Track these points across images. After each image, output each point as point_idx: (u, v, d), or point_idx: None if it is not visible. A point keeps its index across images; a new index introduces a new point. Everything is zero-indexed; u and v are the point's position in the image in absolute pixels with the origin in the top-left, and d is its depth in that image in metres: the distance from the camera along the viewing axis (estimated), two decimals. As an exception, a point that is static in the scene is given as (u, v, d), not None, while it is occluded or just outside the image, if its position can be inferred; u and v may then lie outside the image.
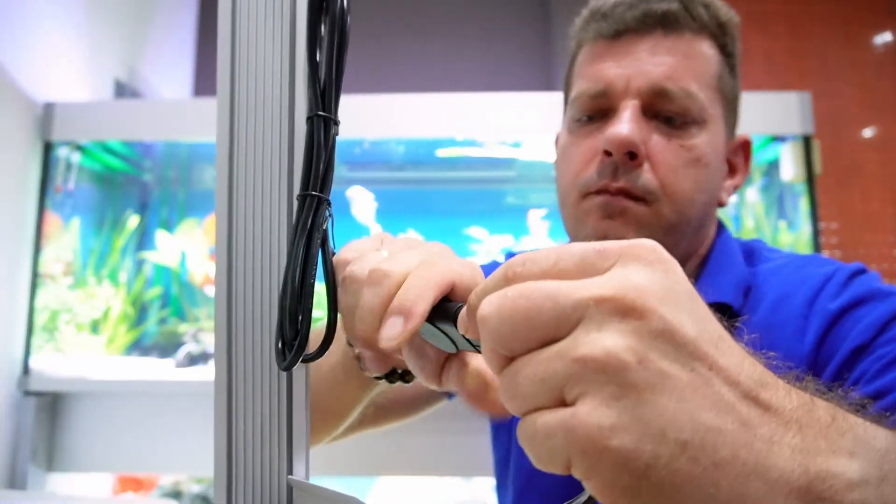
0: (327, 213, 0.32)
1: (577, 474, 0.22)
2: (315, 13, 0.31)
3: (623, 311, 0.21)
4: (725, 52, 0.62)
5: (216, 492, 0.30)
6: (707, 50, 0.60)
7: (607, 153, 0.57)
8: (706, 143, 0.59)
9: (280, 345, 0.30)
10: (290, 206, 0.31)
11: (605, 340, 0.21)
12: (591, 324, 0.22)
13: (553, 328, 0.22)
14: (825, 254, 1.82)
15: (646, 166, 0.57)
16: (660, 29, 0.59)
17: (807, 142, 1.32)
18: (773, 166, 1.44)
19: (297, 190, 0.31)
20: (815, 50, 2.04)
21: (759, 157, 1.47)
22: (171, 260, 1.56)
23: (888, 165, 1.99)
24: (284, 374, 0.30)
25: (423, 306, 0.30)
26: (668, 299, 0.22)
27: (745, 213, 1.47)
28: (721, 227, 0.68)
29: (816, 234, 1.33)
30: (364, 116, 1.35)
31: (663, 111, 0.58)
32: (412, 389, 0.68)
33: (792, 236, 1.39)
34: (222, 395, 0.30)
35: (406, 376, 0.45)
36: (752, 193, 1.48)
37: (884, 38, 2.05)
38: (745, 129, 1.42)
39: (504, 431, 0.73)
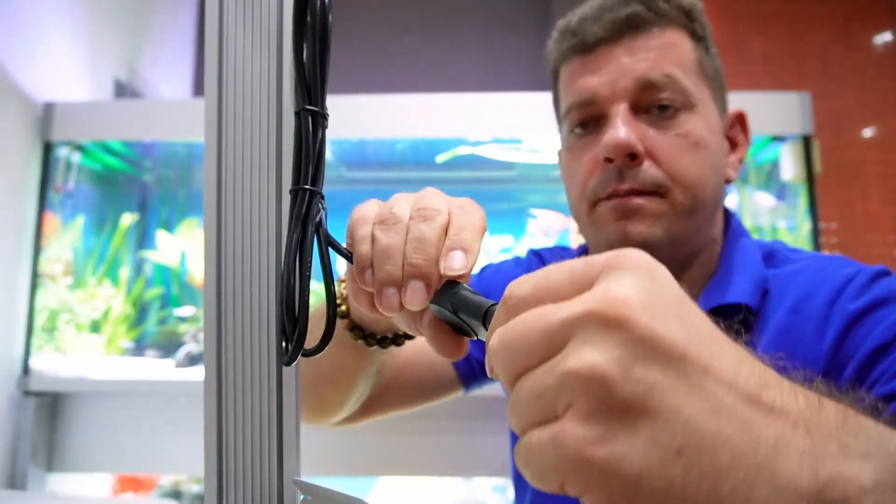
0: (320, 207, 0.32)
1: (572, 492, 0.22)
2: (299, 8, 0.31)
3: (606, 323, 0.22)
4: (696, 36, 0.63)
5: (207, 491, 0.29)
6: (679, 39, 0.61)
7: (608, 160, 0.58)
8: (701, 126, 0.60)
9: (282, 340, 0.31)
10: (278, 203, 0.31)
11: (588, 354, 0.21)
12: (579, 339, 0.22)
13: (546, 347, 0.23)
14: (825, 254, 1.81)
15: (647, 163, 0.58)
16: (629, 32, 0.60)
17: (807, 142, 1.32)
18: (773, 166, 1.44)
19: (286, 186, 0.31)
20: (816, 50, 2.04)
21: (760, 157, 1.47)
22: (171, 260, 1.56)
23: (888, 165, 1.99)
24: (275, 371, 0.30)
25: (477, 245, 0.34)
26: (653, 306, 0.22)
27: (745, 214, 1.48)
28: (729, 213, 0.68)
29: (816, 234, 1.33)
30: (364, 116, 1.35)
31: (653, 102, 0.59)
32: (429, 374, 0.69)
33: (792, 236, 1.39)
34: (212, 394, 0.30)
35: (398, 340, 0.47)
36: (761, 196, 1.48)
37: (884, 38, 2.05)
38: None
39: None
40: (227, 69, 0.31)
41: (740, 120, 0.67)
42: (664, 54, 0.60)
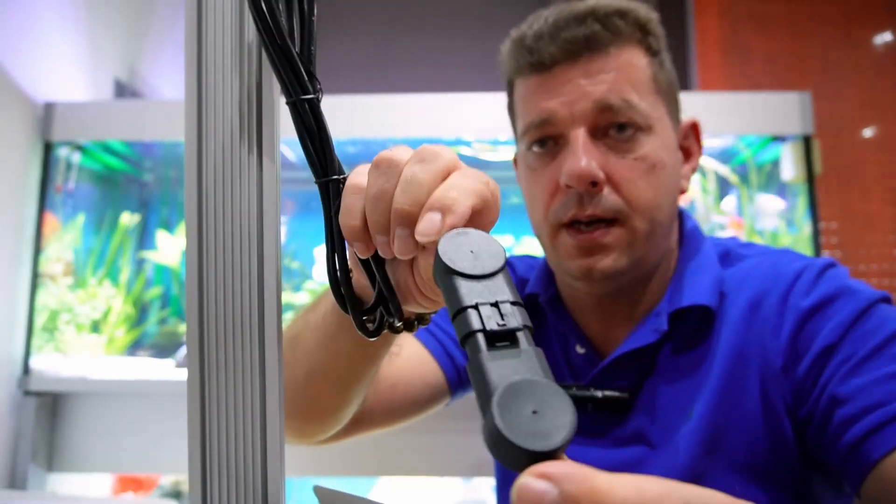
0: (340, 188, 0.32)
1: None
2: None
3: None
4: (652, 51, 0.63)
5: (191, 491, 0.29)
6: (636, 59, 0.61)
7: (569, 186, 0.59)
8: (658, 147, 0.61)
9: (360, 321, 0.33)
10: (259, 201, 0.30)
11: None
12: None
13: None
14: (825, 254, 1.82)
15: (607, 189, 0.59)
16: (586, 53, 0.60)
17: (807, 142, 1.32)
18: (773, 166, 1.44)
19: (267, 183, 0.30)
20: (816, 50, 2.04)
21: (760, 158, 1.47)
22: (172, 260, 1.56)
23: (888, 165, 1.99)
24: (258, 370, 0.30)
25: (463, 206, 0.30)
26: None
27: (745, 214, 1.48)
28: (683, 215, 0.70)
29: (816, 234, 1.33)
30: (364, 116, 1.35)
31: (613, 122, 0.60)
32: (422, 388, 0.68)
33: (792, 236, 1.39)
34: (195, 394, 0.30)
35: (410, 325, 0.40)
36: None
37: (884, 38, 2.05)
38: (745, 129, 1.41)
39: None
40: (207, 69, 0.31)
41: (694, 129, 0.68)
42: (622, 76, 0.60)
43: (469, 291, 0.25)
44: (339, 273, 0.34)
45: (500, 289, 0.26)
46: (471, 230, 0.28)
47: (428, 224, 0.29)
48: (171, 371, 1.34)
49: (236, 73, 0.31)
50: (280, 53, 0.30)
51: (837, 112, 1.98)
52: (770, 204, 1.43)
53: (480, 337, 0.24)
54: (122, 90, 1.68)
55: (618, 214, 0.59)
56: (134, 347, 1.50)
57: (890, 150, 1.99)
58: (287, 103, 0.31)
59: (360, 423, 0.65)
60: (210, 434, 0.29)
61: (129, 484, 1.50)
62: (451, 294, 0.26)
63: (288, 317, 1.51)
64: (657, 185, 0.60)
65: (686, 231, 0.68)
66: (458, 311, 0.25)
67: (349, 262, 0.35)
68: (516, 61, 0.64)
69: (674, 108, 0.65)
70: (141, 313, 1.57)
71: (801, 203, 1.35)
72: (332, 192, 0.33)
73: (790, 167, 1.35)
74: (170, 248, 1.56)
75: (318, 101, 0.31)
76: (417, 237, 0.30)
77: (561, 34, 0.60)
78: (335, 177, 0.32)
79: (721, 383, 0.59)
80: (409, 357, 0.69)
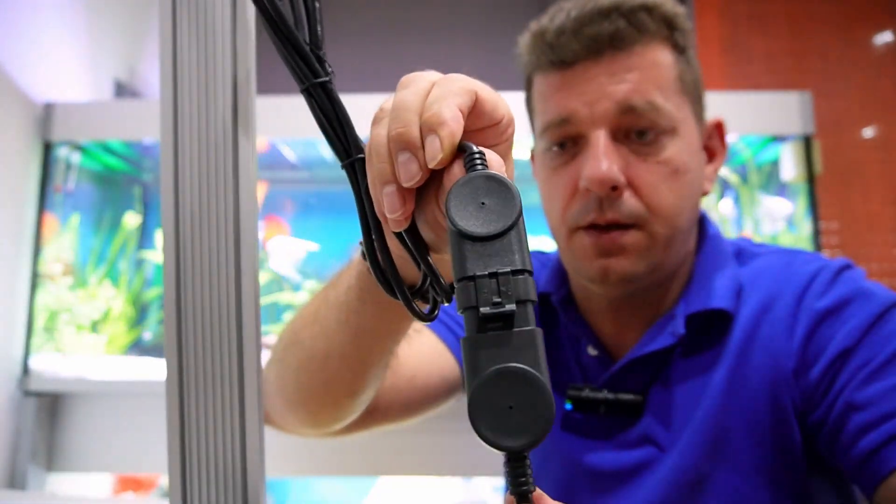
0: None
1: None
2: None
3: None
4: (678, 48, 0.61)
5: (171, 488, 0.29)
6: (662, 57, 0.59)
7: (589, 190, 0.57)
8: (681, 150, 0.59)
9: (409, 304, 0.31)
10: (236, 195, 0.30)
11: None
12: None
13: None
14: (826, 253, 1.81)
15: (627, 193, 0.57)
16: (610, 50, 0.57)
17: (807, 142, 1.32)
18: (773, 166, 1.44)
19: (244, 178, 0.30)
20: (816, 50, 2.04)
21: (760, 157, 1.47)
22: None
23: (888, 165, 1.98)
24: (236, 365, 0.29)
25: (448, 112, 0.28)
26: None
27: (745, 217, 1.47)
28: (704, 219, 0.69)
29: (817, 234, 1.33)
30: (363, 116, 1.34)
31: (634, 127, 0.58)
32: (439, 381, 0.67)
33: (792, 236, 1.39)
34: (174, 391, 0.30)
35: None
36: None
37: (884, 38, 2.05)
38: (745, 129, 1.41)
39: None
40: (182, 64, 0.31)
41: (718, 129, 0.66)
42: (646, 76, 0.58)
43: (472, 256, 0.24)
44: (379, 255, 0.31)
45: (507, 253, 0.23)
46: (484, 174, 0.26)
47: (429, 147, 0.28)
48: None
49: (212, 70, 0.30)
50: (287, 41, 0.30)
51: (837, 112, 1.98)
52: (776, 207, 1.43)
53: (471, 316, 0.23)
54: (122, 90, 1.68)
55: (637, 220, 0.58)
56: (134, 347, 1.50)
57: (890, 150, 1.99)
58: (301, 91, 0.31)
59: (375, 415, 0.62)
60: (189, 433, 0.29)
61: (129, 484, 1.50)
62: (454, 258, 0.24)
63: (287, 317, 1.50)
64: (679, 190, 0.59)
65: (707, 235, 0.67)
66: (457, 281, 0.24)
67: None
68: (536, 57, 0.62)
69: (699, 108, 0.63)
70: (141, 313, 1.57)
71: (801, 203, 1.35)
72: (360, 172, 0.31)
73: (790, 167, 1.35)
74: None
75: (332, 83, 0.31)
76: (429, 164, 0.28)
77: (584, 30, 0.57)
78: (360, 155, 0.32)
79: (727, 384, 0.58)
80: (425, 349, 0.67)
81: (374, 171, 0.30)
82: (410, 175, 0.28)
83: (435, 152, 0.28)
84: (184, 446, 0.29)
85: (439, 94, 0.30)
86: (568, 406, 0.63)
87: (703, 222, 0.68)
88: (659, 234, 0.58)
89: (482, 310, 0.23)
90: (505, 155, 0.33)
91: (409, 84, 0.32)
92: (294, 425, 0.60)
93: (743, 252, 0.66)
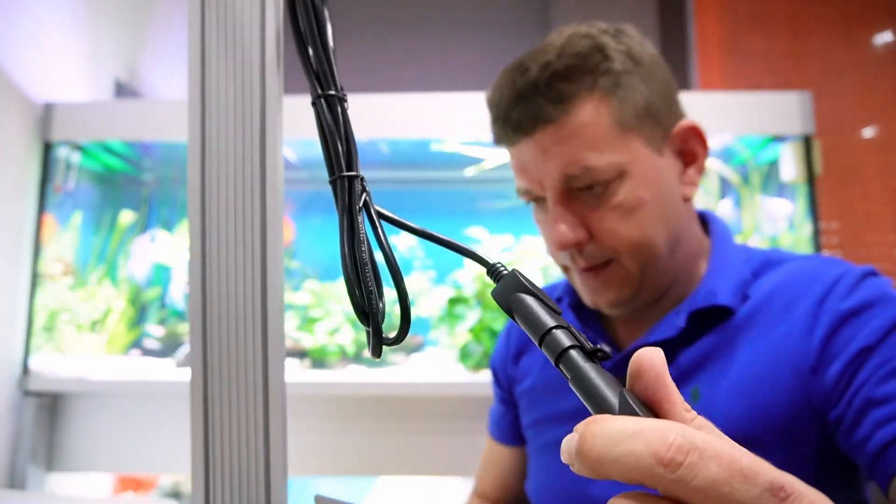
0: (363, 188, 0.31)
1: None
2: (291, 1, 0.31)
3: None
4: (609, 90, 0.60)
5: (194, 491, 0.29)
6: (589, 114, 0.60)
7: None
8: (634, 188, 0.61)
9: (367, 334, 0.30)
10: (262, 202, 0.30)
11: None
12: None
13: None
14: (825, 253, 1.81)
15: (590, 244, 0.63)
16: (539, 126, 0.61)
17: (807, 142, 1.32)
18: (773, 166, 1.44)
19: (270, 182, 0.30)
20: (816, 50, 2.04)
21: (760, 157, 1.47)
22: (171, 260, 1.56)
23: (888, 165, 1.98)
24: (260, 371, 0.29)
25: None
26: None
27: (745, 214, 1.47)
28: (709, 219, 0.71)
29: (817, 234, 1.33)
30: (363, 116, 1.35)
31: (579, 188, 0.62)
32: (516, 485, 0.82)
33: (792, 236, 1.39)
34: (198, 395, 0.30)
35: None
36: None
37: (884, 38, 2.05)
38: (745, 129, 1.41)
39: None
40: (209, 67, 0.31)
41: (693, 131, 0.66)
42: (577, 144, 0.60)
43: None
44: (367, 284, 0.30)
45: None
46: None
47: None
48: (171, 371, 1.34)
49: (239, 70, 0.31)
50: (321, 49, 0.31)
51: (837, 112, 1.98)
52: (777, 207, 1.43)
53: (578, 352, 0.26)
54: (122, 90, 1.68)
55: (609, 257, 0.63)
56: (134, 347, 1.50)
57: (890, 150, 1.99)
58: (315, 98, 0.31)
59: None
60: (213, 434, 0.29)
61: (129, 484, 1.50)
62: (531, 315, 0.28)
63: (288, 315, 1.50)
64: (641, 224, 0.61)
65: (714, 233, 0.69)
66: (548, 332, 0.27)
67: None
68: (492, 131, 0.67)
69: (655, 128, 0.62)
70: (141, 313, 1.57)
71: (801, 203, 1.35)
72: (340, 188, 0.32)
73: (790, 167, 1.35)
74: (170, 247, 1.56)
75: (342, 99, 0.32)
76: None
77: (511, 115, 0.62)
78: (348, 173, 0.32)
79: (735, 378, 0.59)
80: (493, 467, 0.84)
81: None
82: None
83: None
84: (207, 447, 0.29)
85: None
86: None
87: (707, 222, 0.71)
88: (631, 269, 0.63)
89: (587, 346, 0.26)
90: None
91: None
92: None
93: (771, 260, 0.67)
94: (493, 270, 0.30)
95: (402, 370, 1.32)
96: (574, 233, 0.62)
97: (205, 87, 0.31)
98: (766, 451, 0.56)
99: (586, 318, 0.72)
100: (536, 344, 0.27)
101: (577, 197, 0.62)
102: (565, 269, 0.68)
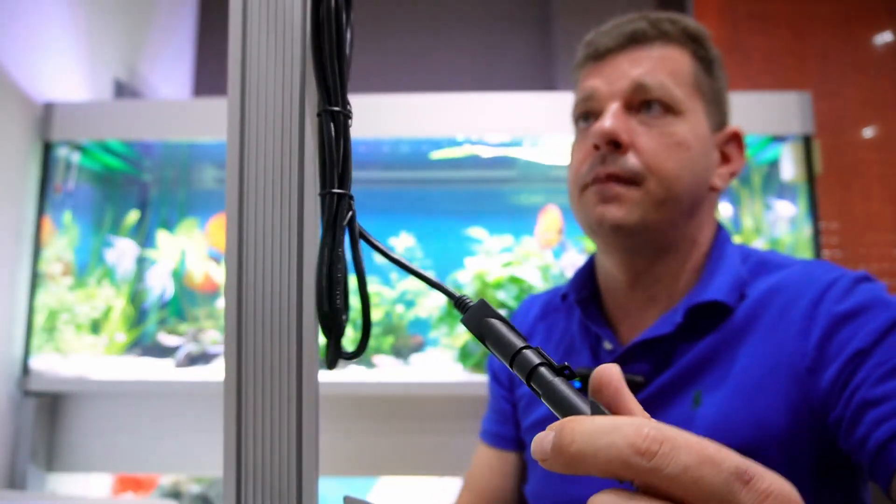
0: (350, 207, 0.32)
1: None
2: (314, 8, 0.31)
3: None
4: (698, 56, 0.69)
5: (225, 493, 0.29)
6: (678, 55, 0.69)
7: (596, 147, 0.66)
8: (686, 130, 0.66)
9: (326, 345, 0.31)
10: (300, 205, 0.30)
11: None
12: None
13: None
14: (825, 253, 1.82)
15: (631, 153, 0.65)
16: (633, 45, 0.69)
17: (807, 142, 1.32)
18: (773, 166, 1.44)
19: (308, 187, 0.31)
20: (816, 50, 2.04)
21: (760, 157, 1.47)
22: (171, 260, 1.56)
23: (888, 165, 1.98)
24: (294, 374, 0.30)
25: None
26: None
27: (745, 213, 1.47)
28: (721, 227, 0.73)
29: (817, 234, 1.33)
30: (363, 116, 1.35)
31: (644, 100, 0.66)
32: (509, 488, 0.80)
33: (792, 236, 1.39)
34: (231, 394, 0.30)
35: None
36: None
37: (884, 38, 2.05)
38: (745, 129, 1.42)
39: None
40: (251, 71, 0.31)
41: (735, 138, 0.73)
42: (660, 64, 0.67)
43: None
44: (335, 301, 0.31)
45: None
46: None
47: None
48: (171, 371, 1.34)
49: (279, 77, 0.31)
50: (339, 63, 0.31)
51: (837, 112, 1.98)
52: (780, 210, 1.43)
53: (547, 368, 0.28)
54: (122, 90, 1.68)
55: (636, 177, 0.64)
56: (134, 347, 1.50)
57: (890, 150, 1.99)
58: (321, 111, 0.31)
59: None
60: (245, 435, 0.29)
61: (129, 484, 1.50)
62: (501, 339, 0.30)
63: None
64: (679, 160, 0.65)
65: (717, 238, 0.72)
66: (517, 353, 0.29)
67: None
68: (580, 56, 0.73)
69: (714, 113, 0.70)
70: (141, 313, 1.57)
71: (802, 203, 1.35)
72: (328, 203, 0.32)
73: (790, 167, 1.35)
74: (170, 247, 1.56)
75: (348, 116, 0.32)
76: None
77: (615, 30, 0.70)
78: (338, 190, 0.32)
79: (730, 375, 0.60)
80: (484, 472, 0.82)
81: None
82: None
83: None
84: (239, 450, 0.29)
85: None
86: (577, 384, 0.66)
87: (719, 229, 0.73)
88: (654, 192, 0.64)
89: (554, 364, 0.28)
90: None
91: None
92: None
93: (768, 262, 0.69)
94: (459, 302, 0.32)
95: (402, 370, 1.32)
96: (622, 128, 0.64)
97: (245, 88, 0.31)
98: (765, 458, 0.57)
99: (590, 312, 0.74)
100: (507, 365, 0.29)
101: (636, 115, 0.66)
102: (581, 191, 0.68)
